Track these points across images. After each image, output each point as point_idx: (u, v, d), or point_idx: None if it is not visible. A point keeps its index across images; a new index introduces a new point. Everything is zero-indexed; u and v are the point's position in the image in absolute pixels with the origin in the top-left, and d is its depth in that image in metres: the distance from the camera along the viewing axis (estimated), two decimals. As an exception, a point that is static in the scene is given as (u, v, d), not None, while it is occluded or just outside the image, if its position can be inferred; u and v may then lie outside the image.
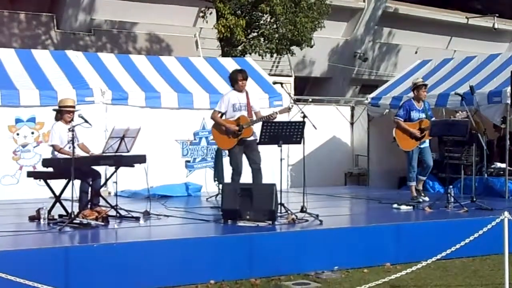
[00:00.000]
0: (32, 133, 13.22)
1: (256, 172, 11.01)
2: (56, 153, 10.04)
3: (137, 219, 9.81)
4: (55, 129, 10.03)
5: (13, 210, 11.49)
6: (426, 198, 12.33)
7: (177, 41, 26.65)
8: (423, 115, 12.24)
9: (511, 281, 7.63)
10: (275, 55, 22.06)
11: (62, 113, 10.13)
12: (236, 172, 11.07)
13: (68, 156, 9.49)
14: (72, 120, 10.03)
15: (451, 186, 12.30)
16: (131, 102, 13.99)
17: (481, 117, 14.05)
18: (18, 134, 13.16)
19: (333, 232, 9.38)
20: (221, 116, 11.19)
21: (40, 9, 25.57)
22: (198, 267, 8.24)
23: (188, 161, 14.67)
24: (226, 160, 13.48)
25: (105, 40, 26.21)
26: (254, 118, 11.02)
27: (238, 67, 15.53)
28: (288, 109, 11.32)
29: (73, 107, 10.24)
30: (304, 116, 10.24)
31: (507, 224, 7.68)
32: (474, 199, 11.79)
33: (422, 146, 12.27)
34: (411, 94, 12.75)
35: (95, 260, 7.74)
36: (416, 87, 12.43)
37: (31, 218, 9.74)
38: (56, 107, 10.30)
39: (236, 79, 11.18)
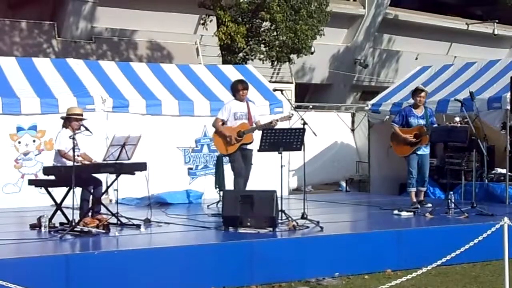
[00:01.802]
0: (34, 141, 13.23)
1: (245, 183, 11.30)
2: (59, 158, 10.07)
3: (138, 226, 9.82)
4: (62, 135, 10.05)
5: (15, 218, 11.51)
6: (429, 204, 12.27)
7: (177, 48, 26.69)
8: (422, 121, 12.23)
9: (511, 287, 7.64)
10: (275, 62, 22.10)
11: (70, 120, 10.16)
12: (239, 175, 11.25)
13: (69, 164, 9.52)
14: (79, 128, 10.07)
15: (451, 192, 12.35)
16: (132, 109, 14.01)
17: (481, 123, 14.04)
18: (19, 142, 13.17)
19: (334, 239, 9.39)
20: (222, 124, 11.42)
21: (41, 18, 25.62)
22: (199, 274, 8.25)
23: (191, 169, 14.68)
24: (227, 167, 13.52)
25: (106, 48, 26.25)
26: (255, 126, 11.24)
27: (239, 75, 15.68)
28: (289, 117, 11.47)
29: (81, 115, 10.29)
30: (304, 123, 10.27)
31: (507, 229, 7.70)
32: (475, 205, 11.77)
33: (419, 152, 12.21)
34: (411, 101, 12.78)
35: (96, 268, 7.74)
36: (412, 93, 12.51)
37: (32, 226, 9.75)
38: (64, 115, 10.33)
39: (237, 89, 11.49)
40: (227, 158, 11.79)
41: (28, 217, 10.33)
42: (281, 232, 9.50)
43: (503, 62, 15.42)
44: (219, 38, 20.21)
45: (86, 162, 10.04)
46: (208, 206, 12.82)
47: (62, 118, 10.37)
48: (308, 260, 8.88)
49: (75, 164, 9.28)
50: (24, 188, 12.66)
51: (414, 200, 12.32)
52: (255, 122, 11.40)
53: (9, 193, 13.00)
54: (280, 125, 11.03)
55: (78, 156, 9.62)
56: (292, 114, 11.11)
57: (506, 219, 7.78)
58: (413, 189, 12.39)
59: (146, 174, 10.20)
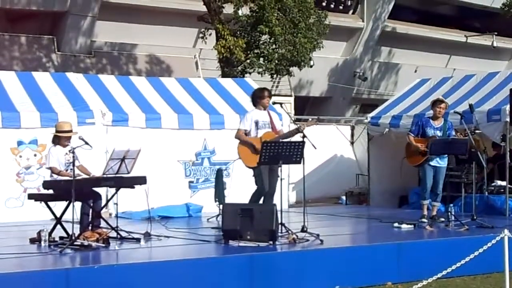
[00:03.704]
0: (35, 155, 13.23)
1: (270, 196, 10.84)
2: (55, 175, 10.06)
3: (138, 240, 9.81)
4: (52, 153, 10.04)
5: (17, 232, 11.46)
6: (442, 219, 12.05)
7: (177, 62, 26.75)
8: (439, 133, 12.00)
9: (512, 299, 7.64)
10: (275, 75, 22.11)
11: (60, 138, 10.16)
12: (261, 192, 10.79)
13: (69, 178, 9.52)
14: (69, 142, 10.07)
15: (451, 205, 12.32)
16: (131, 123, 14.01)
17: (480, 135, 14.05)
18: (20, 157, 13.17)
19: (334, 252, 9.38)
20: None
21: (41, 32, 25.70)
22: (199, 288, 8.25)
23: (192, 182, 14.67)
24: (229, 181, 13.59)
25: (106, 62, 26.30)
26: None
27: (238, 88, 15.72)
28: (315, 122, 11.00)
29: (70, 131, 10.27)
30: (304, 136, 10.25)
31: (507, 242, 7.69)
32: (475, 217, 11.77)
33: (432, 164, 11.98)
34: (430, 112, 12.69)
35: (96, 282, 7.73)
36: (432, 104, 12.36)
37: (32, 240, 9.75)
38: (53, 132, 10.30)
39: (262, 96, 11.00)
40: (228, 171, 11.63)
41: (30, 231, 10.27)
42: (281, 245, 9.48)
43: (502, 74, 15.44)
44: (218, 52, 20.24)
45: (84, 176, 10.02)
46: (208, 219, 12.81)
47: (52, 133, 10.35)
48: (308, 273, 8.87)
49: (75, 178, 9.29)
50: (26, 202, 12.60)
51: (425, 213, 12.14)
52: (278, 131, 10.93)
53: (12, 208, 12.99)
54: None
55: (72, 170, 9.58)
56: (318, 118, 10.64)
57: (506, 231, 7.79)
58: (425, 202, 12.19)
59: (146, 188, 10.20)
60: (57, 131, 10.22)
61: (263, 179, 10.73)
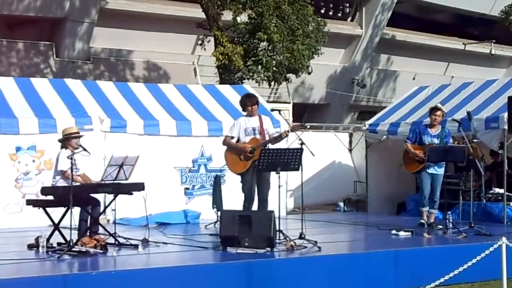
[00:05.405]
0: (33, 161, 13.21)
1: (263, 203, 10.88)
2: (57, 178, 10.06)
3: (135, 246, 9.81)
4: (63, 154, 10.05)
5: (15, 238, 11.43)
6: (440, 226, 12.07)
7: (175, 68, 26.76)
8: (436, 141, 12.09)
9: (510, 306, 7.64)
10: (272, 83, 22.10)
11: (69, 140, 10.16)
12: (248, 199, 10.87)
13: (68, 184, 9.53)
14: (78, 147, 10.07)
15: (449, 212, 12.32)
16: (129, 129, 14.01)
17: (479, 142, 14.05)
18: (19, 162, 13.16)
19: (332, 259, 9.38)
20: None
21: (39, 38, 25.71)
22: (197, 295, 8.24)
23: (187, 189, 14.66)
24: (224, 187, 13.55)
25: (103, 68, 26.30)
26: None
27: (236, 95, 15.69)
28: (302, 126, 11.08)
29: (78, 133, 10.32)
30: (302, 143, 10.25)
31: (505, 249, 7.69)
32: (473, 225, 11.78)
33: (430, 171, 12.08)
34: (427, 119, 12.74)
35: (94, 288, 7.74)
36: (429, 112, 12.44)
37: (30, 246, 9.74)
38: (61, 137, 10.33)
39: (245, 105, 11.11)
40: (223, 178, 11.58)
41: (29, 237, 10.26)
42: (279, 252, 9.48)
43: (500, 82, 15.46)
44: (216, 58, 20.25)
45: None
46: (206, 226, 12.80)
47: (59, 140, 10.36)
48: (306, 280, 8.86)
49: (73, 184, 9.29)
50: (25, 208, 12.57)
51: (424, 219, 12.21)
52: (270, 135, 10.91)
53: (11, 213, 12.97)
54: (278, 144, 11.01)
55: (78, 176, 9.65)
56: (308, 126, 10.74)
57: (504, 239, 7.80)
58: (425, 209, 12.25)
59: (144, 194, 10.20)
60: (66, 134, 10.26)
61: (250, 185, 10.81)
